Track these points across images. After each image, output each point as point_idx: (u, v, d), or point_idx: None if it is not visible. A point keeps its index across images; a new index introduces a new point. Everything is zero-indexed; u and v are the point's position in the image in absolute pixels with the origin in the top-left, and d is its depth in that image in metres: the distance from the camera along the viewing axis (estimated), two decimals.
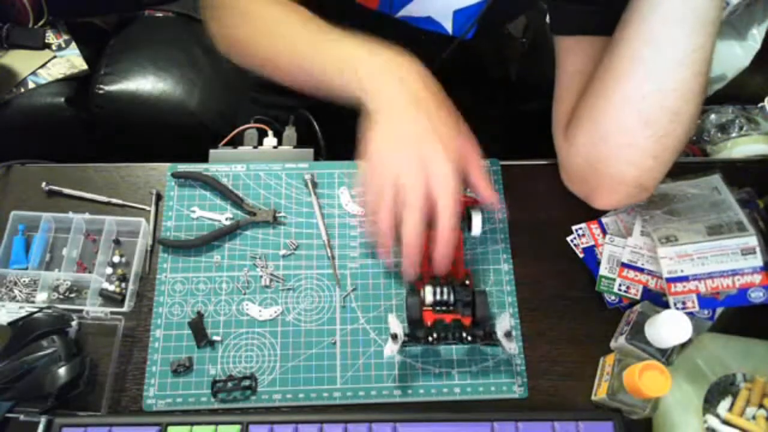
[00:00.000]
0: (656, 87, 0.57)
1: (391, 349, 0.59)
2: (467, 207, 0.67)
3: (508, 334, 0.60)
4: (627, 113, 0.59)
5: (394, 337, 0.59)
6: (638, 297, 0.66)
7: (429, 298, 0.62)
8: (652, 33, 0.56)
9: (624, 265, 0.67)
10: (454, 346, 0.65)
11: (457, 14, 0.73)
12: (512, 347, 0.60)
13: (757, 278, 0.62)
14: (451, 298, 0.62)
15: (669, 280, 0.64)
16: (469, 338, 0.61)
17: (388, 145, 0.56)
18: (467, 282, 0.64)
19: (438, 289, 0.62)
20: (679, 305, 0.64)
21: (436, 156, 0.54)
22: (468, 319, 0.62)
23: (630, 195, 0.66)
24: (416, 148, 0.54)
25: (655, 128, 0.58)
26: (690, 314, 0.61)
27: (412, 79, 0.56)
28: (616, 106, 0.59)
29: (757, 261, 0.62)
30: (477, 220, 0.65)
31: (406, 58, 0.57)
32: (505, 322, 0.61)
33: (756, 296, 0.62)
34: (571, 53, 0.67)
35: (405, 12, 0.73)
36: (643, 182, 0.63)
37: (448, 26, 0.74)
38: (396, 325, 0.60)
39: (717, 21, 0.55)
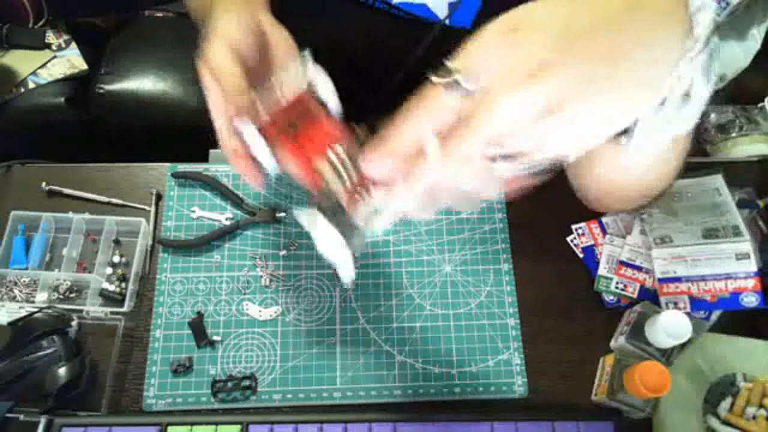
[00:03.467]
0: (619, 184, 0.55)
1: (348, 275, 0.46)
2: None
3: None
4: (595, 187, 0.58)
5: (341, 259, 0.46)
6: (635, 295, 0.66)
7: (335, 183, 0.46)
8: (607, 161, 0.52)
9: (622, 263, 0.67)
10: (455, 346, 0.65)
11: (452, 7, 0.73)
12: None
13: (750, 283, 0.62)
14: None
15: (661, 281, 0.64)
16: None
17: None
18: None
19: (339, 166, 0.46)
20: (671, 306, 0.64)
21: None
22: None
23: (622, 211, 0.67)
24: None
25: (624, 197, 0.58)
26: (688, 314, 0.62)
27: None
28: (585, 179, 0.58)
29: (751, 266, 0.63)
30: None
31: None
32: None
33: (749, 301, 0.62)
34: None
35: None
36: (633, 208, 0.64)
37: (445, 18, 0.75)
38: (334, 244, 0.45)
39: (683, 144, 0.48)
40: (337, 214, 0.44)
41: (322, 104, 0.51)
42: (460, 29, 0.76)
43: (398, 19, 0.75)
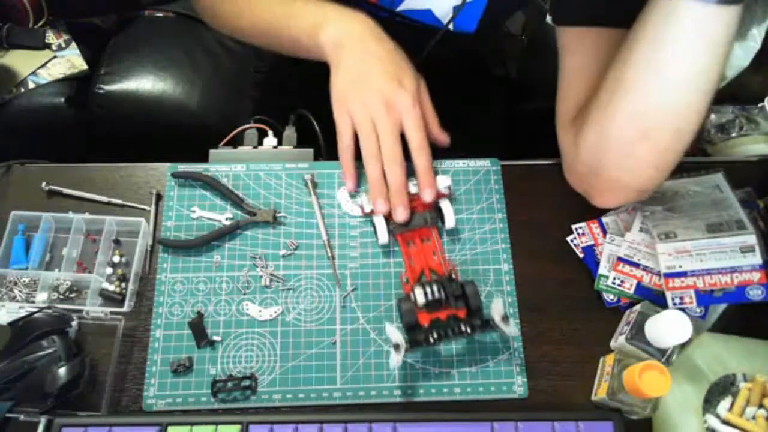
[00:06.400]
0: (658, 105, 0.56)
1: (396, 360, 0.59)
2: (436, 200, 0.68)
3: (504, 318, 0.61)
4: (627, 126, 0.58)
5: (396, 347, 0.59)
6: (631, 291, 0.66)
7: (421, 299, 0.62)
8: (656, 53, 0.55)
9: (620, 260, 0.67)
10: (454, 346, 0.65)
11: (456, 11, 0.73)
12: (511, 330, 0.61)
13: (756, 276, 0.62)
14: (442, 294, 0.62)
15: (667, 276, 0.64)
16: (468, 330, 0.62)
17: (353, 85, 0.65)
18: (453, 276, 0.65)
19: (428, 289, 0.63)
20: (677, 300, 0.64)
21: (399, 94, 0.64)
22: (463, 311, 0.63)
23: (629, 197, 0.66)
24: (378, 87, 0.64)
25: (655, 142, 0.58)
26: (687, 312, 0.61)
27: (368, 35, 0.66)
28: (617, 118, 0.58)
29: (756, 259, 0.62)
30: (448, 211, 0.68)
31: (365, 20, 0.67)
32: (498, 306, 0.61)
33: (755, 294, 0.62)
34: (575, 46, 0.65)
35: (405, 6, 0.73)
36: (642, 187, 0.64)
37: (448, 22, 0.75)
38: (395, 334, 0.60)
39: (727, 43, 0.53)
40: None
41: (442, 221, 0.69)
42: (465, 34, 0.76)
43: (402, 26, 0.75)
